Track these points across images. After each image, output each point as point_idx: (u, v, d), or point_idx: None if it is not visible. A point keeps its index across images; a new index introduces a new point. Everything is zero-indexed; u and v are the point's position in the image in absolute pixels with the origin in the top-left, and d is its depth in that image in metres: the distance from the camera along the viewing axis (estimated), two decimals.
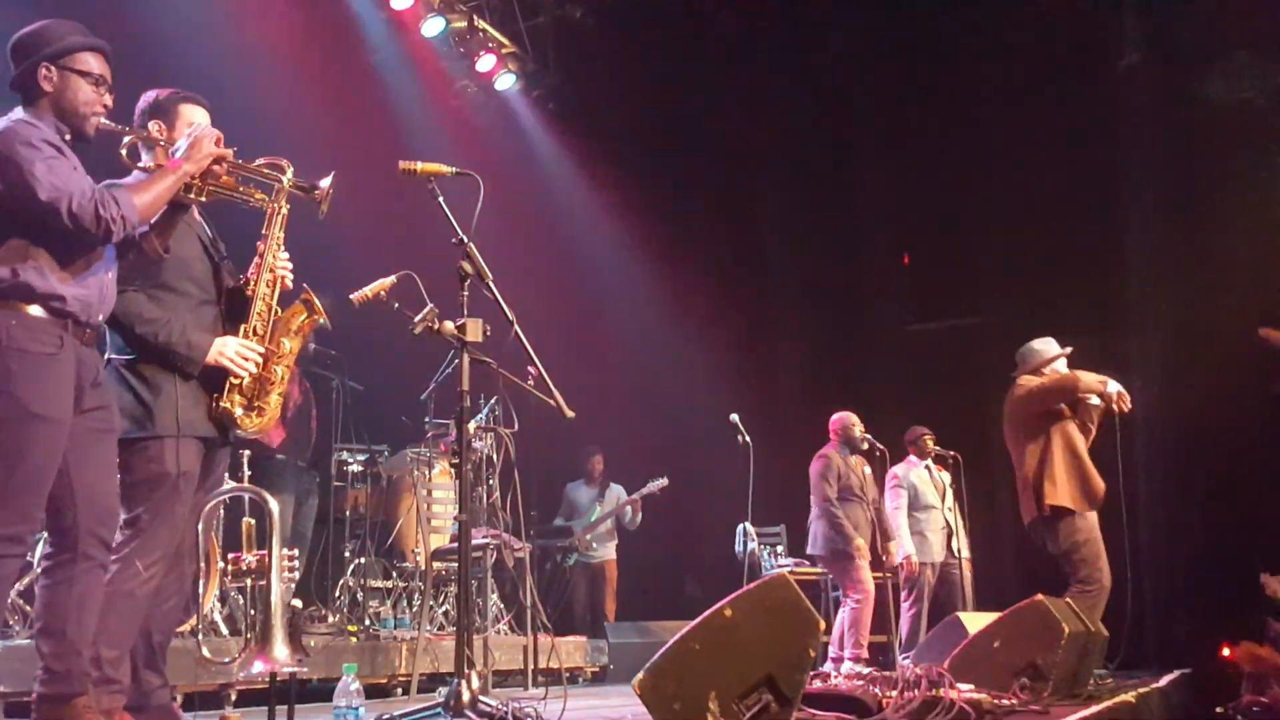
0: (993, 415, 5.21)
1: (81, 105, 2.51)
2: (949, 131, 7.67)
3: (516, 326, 3.05)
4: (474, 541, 4.56)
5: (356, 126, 6.33)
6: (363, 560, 5.70)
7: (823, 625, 2.73)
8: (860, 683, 3.33)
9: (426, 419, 5.69)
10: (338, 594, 5.58)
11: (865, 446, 6.00)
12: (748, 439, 5.84)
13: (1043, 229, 7.07)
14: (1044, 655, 3.60)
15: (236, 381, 2.79)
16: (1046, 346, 4.90)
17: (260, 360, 2.81)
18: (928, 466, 6.46)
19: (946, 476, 6.47)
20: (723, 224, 8.51)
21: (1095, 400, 4.77)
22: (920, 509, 6.32)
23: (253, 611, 3.97)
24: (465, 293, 3.02)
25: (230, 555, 4.05)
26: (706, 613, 2.50)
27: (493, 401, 5.40)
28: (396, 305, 3.11)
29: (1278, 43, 6.25)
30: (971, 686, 3.28)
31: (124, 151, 2.75)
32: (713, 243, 8.42)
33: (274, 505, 3.13)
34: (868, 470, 6.06)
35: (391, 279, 3.11)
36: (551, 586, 7.08)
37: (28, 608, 3.64)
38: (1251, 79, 6.29)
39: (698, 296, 7.83)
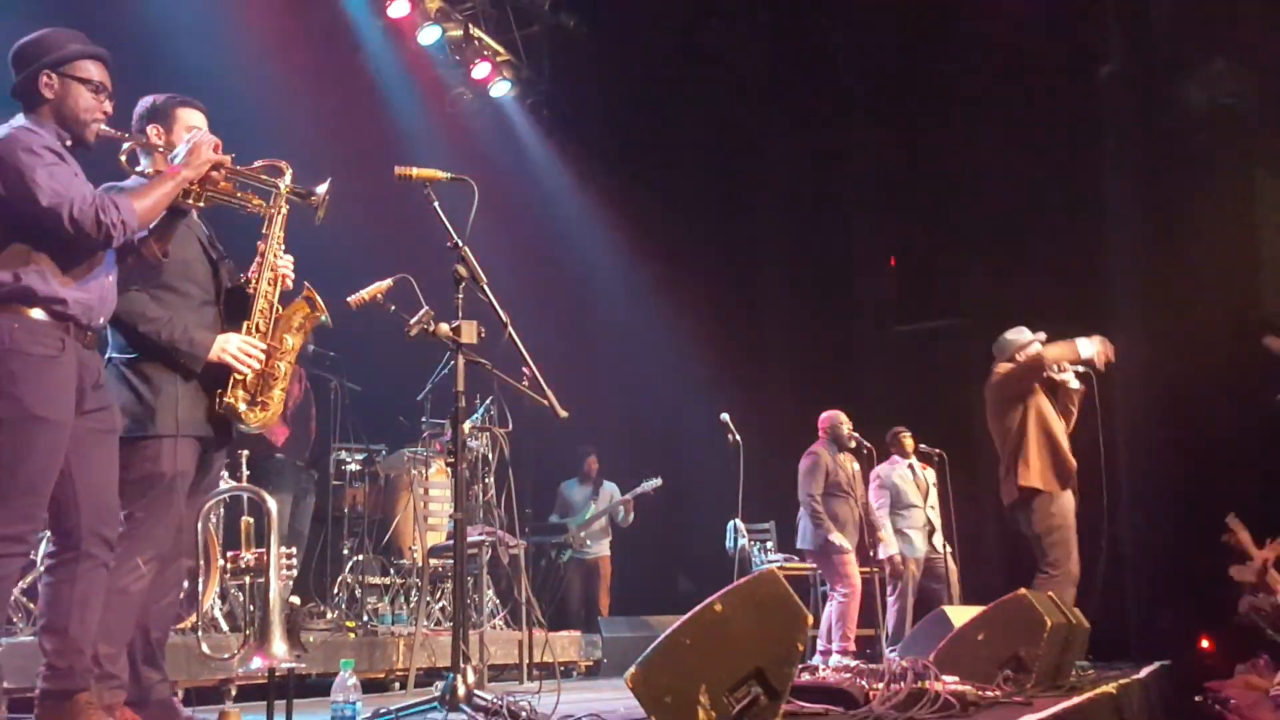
0: (977, 413, 5.30)
1: (82, 112, 2.54)
2: (934, 138, 7.78)
3: (510, 328, 3.08)
4: (470, 539, 4.59)
5: (354, 132, 6.37)
6: (361, 557, 5.73)
7: (811, 620, 2.77)
8: (848, 675, 3.38)
9: (423, 419, 5.73)
10: (336, 590, 5.61)
11: (853, 445, 6.09)
12: (738, 438, 5.90)
13: (1025, 233, 7.20)
14: (1027, 648, 3.65)
15: (240, 377, 2.80)
16: (1019, 335, 5.05)
17: (263, 356, 2.83)
18: (910, 465, 6.54)
19: (931, 474, 6.55)
20: (714, 228, 8.61)
21: (1075, 384, 4.88)
22: (903, 508, 6.41)
23: (252, 608, 4.02)
24: (460, 295, 3.04)
25: (229, 553, 4.09)
26: (697, 608, 2.52)
27: (488, 402, 5.44)
28: (393, 308, 3.13)
29: (1256, 51, 6.35)
30: (956, 679, 3.32)
31: (123, 157, 2.77)
32: (704, 246, 8.51)
33: (272, 504, 3.15)
34: (856, 467, 6.15)
35: (388, 282, 3.14)
36: (546, 582, 7.14)
37: (31, 605, 3.67)
38: (1230, 87, 6.39)
39: (689, 299, 7.91)
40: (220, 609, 4.31)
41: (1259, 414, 5.63)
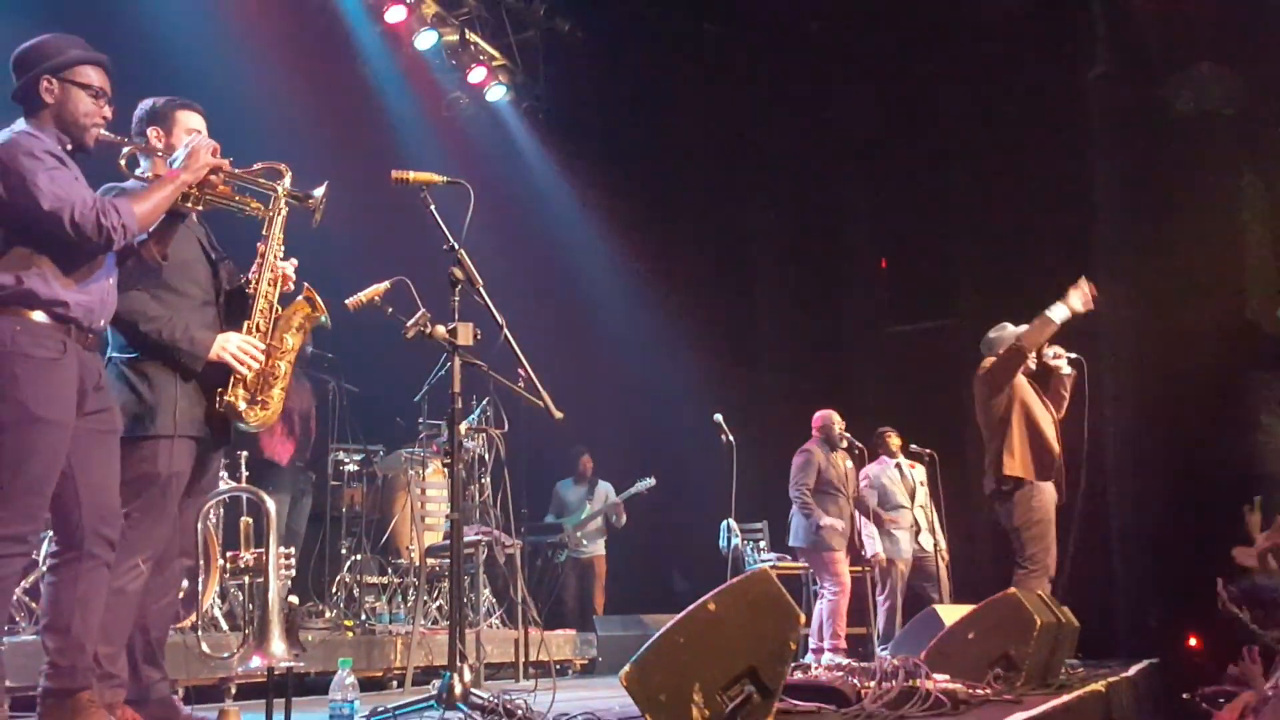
0: (969, 414, 5.35)
1: (82, 116, 2.56)
2: (925, 141, 7.84)
3: (506, 330, 3.10)
4: (466, 538, 4.63)
5: (351, 136, 6.41)
6: (358, 557, 5.76)
7: (803, 619, 2.80)
8: (839, 674, 3.41)
9: (420, 420, 5.75)
10: (334, 590, 5.64)
11: (844, 444, 6.14)
12: (731, 438, 5.94)
13: (1015, 234, 7.25)
14: (1017, 646, 3.67)
15: (240, 376, 2.83)
16: (1002, 332, 5.10)
17: (262, 355, 2.85)
18: (898, 465, 6.59)
19: (920, 473, 6.60)
20: (707, 230, 8.67)
21: (1066, 369, 4.93)
22: (890, 508, 6.47)
23: (251, 607, 4.04)
24: (456, 298, 3.05)
25: (229, 553, 4.12)
26: (691, 607, 2.53)
27: (484, 403, 5.47)
28: (390, 310, 3.15)
29: (1244, 55, 6.40)
30: (947, 677, 3.33)
31: (123, 161, 2.79)
32: (697, 249, 8.57)
33: (271, 505, 3.17)
34: (849, 465, 6.19)
35: (385, 285, 3.15)
36: (542, 581, 7.18)
37: (33, 604, 3.68)
38: (1218, 90, 6.45)
39: (683, 301, 7.97)
40: (220, 608, 4.33)
41: (1246, 415, 5.69)
